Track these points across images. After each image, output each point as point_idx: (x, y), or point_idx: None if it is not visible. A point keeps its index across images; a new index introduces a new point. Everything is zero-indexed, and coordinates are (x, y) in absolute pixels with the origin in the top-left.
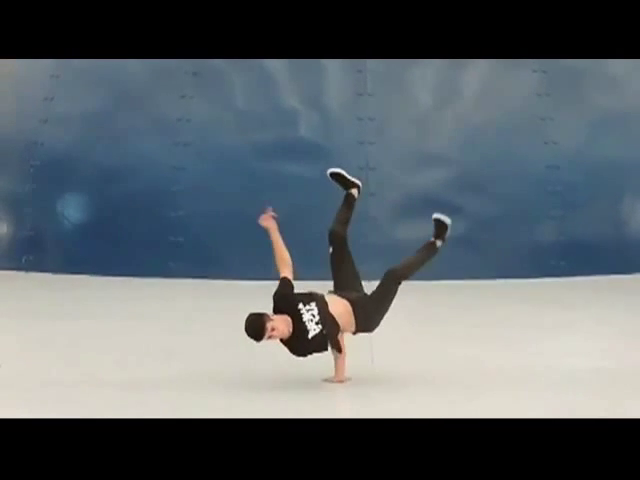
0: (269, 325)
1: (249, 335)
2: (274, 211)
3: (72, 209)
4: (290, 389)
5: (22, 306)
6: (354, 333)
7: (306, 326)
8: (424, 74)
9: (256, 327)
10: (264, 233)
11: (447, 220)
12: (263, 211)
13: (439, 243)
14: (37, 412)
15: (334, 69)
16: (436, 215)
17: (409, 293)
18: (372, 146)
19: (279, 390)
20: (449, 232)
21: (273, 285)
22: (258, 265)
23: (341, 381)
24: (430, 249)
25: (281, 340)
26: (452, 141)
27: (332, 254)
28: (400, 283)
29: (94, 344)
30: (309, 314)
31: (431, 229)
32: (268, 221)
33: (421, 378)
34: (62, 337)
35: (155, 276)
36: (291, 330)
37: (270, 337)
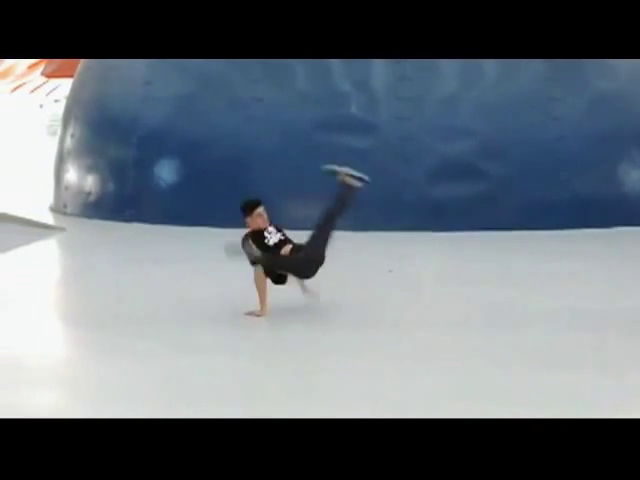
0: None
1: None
2: None
3: (166, 172)
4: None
5: (125, 252)
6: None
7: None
8: (452, 62)
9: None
10: (321, 190)
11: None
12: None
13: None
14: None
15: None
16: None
17: (444, 243)
18: (410, 121)
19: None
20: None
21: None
22: (314, 218)
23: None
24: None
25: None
26: (476, 116)
27: None
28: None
29: (182, 282)
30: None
31: (461, 190)
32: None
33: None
34: (158, 277)
35: (233, 227)
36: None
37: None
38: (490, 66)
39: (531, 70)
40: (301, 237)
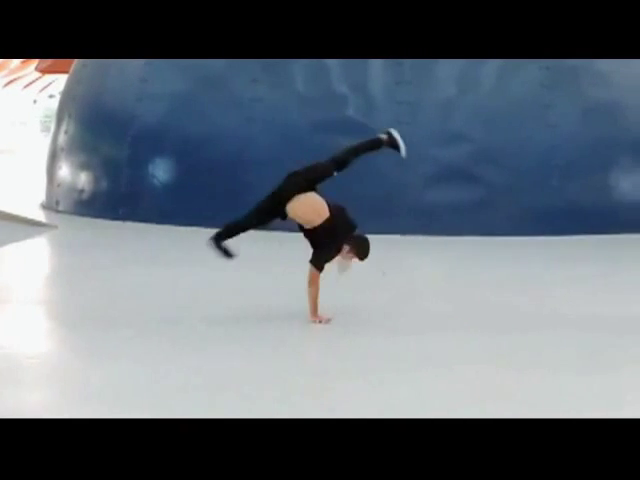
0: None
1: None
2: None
3: (161, 171)
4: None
5: (118, 251)
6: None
7: None
8: (450, 67)
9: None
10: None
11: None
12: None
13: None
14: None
15: (378, 61)
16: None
17: (439, 247)
18: (407, 125)
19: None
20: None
21: None
22: None
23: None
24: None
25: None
26: (472, 122)
27: None
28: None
29: (173, 286)
30: None
31: (455, 195)
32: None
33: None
34: (150, 277)
35: None
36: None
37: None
38: (487, 72)
39: (527, 77)
40: (295, 239)
